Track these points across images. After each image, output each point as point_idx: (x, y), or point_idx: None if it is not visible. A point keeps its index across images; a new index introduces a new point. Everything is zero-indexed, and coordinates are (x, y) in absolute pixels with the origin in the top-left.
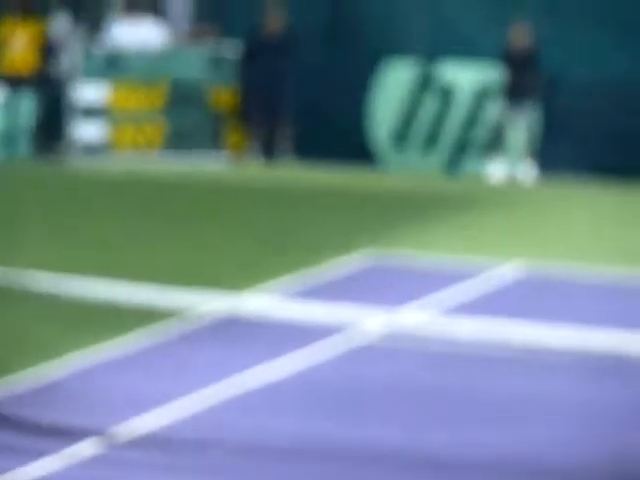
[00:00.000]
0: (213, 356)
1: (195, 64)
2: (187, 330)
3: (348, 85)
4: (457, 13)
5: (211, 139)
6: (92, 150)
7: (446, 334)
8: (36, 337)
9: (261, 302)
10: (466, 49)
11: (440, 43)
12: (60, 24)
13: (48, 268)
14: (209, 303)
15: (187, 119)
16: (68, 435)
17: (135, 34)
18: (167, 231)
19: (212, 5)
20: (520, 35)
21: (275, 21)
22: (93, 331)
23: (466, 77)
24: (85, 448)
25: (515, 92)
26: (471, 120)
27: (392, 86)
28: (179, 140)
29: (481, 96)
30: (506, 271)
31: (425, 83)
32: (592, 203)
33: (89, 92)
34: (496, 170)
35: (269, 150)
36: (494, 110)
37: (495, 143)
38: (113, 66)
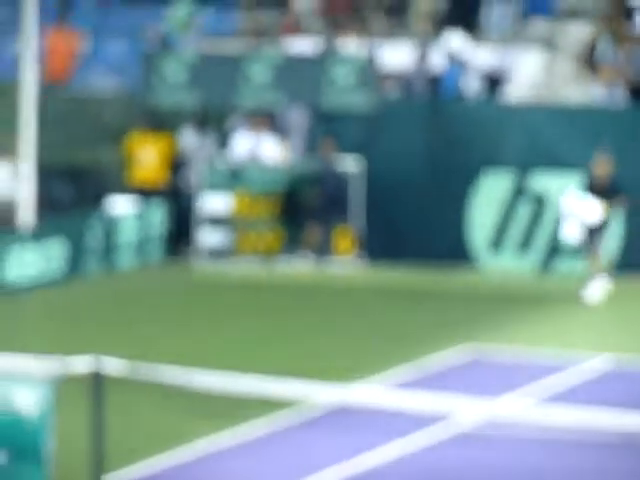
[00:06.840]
0: (325, 443)
1: (308, 176)
2: (302, 419)
3: (449, 194)
4: (545, 130)
5: (328, 245)
6: (217, 255)
7: (540, 423)
8: (164, 426)
9: (369, 392)
10: (554, 161)
11: (531, 156)
12: (188, 138)
13: (177, 362)
14: (322, 393)
15: (300, 226)
16: None
17: (255, 148)
18: (284, 328)
19: (326, 121)
20: (602, 166)
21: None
22: (217, 420)
23: (556, 185)
24: None
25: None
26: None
27: (489, 194)
28: (294, 245)
29: None
30: (597, 363)
31: (519, 191)
32: None
33: (214, 202)
34: (594, 288)
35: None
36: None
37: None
38: (235, 178)
